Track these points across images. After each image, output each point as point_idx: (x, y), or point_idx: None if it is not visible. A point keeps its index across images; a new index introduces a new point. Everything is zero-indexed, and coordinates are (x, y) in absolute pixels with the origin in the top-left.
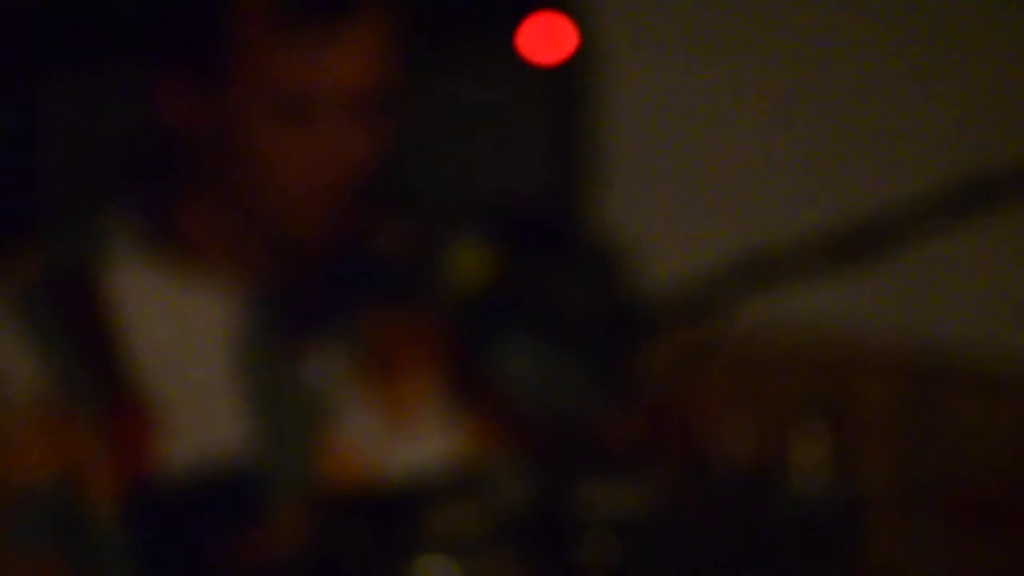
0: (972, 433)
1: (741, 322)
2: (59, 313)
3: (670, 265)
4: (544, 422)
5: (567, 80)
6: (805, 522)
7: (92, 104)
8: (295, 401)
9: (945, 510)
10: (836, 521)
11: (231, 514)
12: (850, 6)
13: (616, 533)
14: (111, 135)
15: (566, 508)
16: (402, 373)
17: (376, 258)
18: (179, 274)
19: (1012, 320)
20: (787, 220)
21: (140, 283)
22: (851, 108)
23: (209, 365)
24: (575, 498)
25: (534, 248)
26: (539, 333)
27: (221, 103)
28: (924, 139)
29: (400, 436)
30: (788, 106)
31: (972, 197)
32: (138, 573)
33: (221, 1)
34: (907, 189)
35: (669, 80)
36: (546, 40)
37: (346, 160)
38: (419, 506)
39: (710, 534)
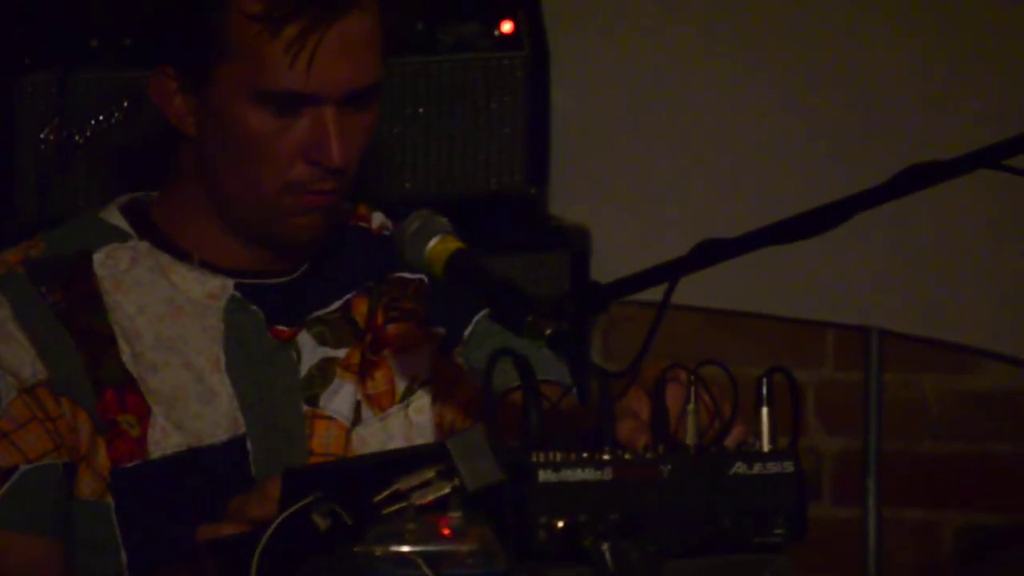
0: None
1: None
2: (54, 303)
3: (623, 253)
4: (506, 404)
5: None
6: (756, 494)
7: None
8: (281, 383)
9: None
10: (785, 491)
11: (217, 489)
12: None
13: (575, 508)
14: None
15: (526, 484)
16: (382, 356)
17: (358, 247)
18: (170, 268)
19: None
20: (741, 210)
21: (131, 277)
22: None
23: (199, 354)
24: (535, 475)
25: (500, 238)
26: (503, 320)
27: (212, 97)
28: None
29: (379, 416)
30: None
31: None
32: (127, 550)
33: None
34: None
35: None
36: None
37: (335, 153)
38: (388, 475)
39: (667, 507)
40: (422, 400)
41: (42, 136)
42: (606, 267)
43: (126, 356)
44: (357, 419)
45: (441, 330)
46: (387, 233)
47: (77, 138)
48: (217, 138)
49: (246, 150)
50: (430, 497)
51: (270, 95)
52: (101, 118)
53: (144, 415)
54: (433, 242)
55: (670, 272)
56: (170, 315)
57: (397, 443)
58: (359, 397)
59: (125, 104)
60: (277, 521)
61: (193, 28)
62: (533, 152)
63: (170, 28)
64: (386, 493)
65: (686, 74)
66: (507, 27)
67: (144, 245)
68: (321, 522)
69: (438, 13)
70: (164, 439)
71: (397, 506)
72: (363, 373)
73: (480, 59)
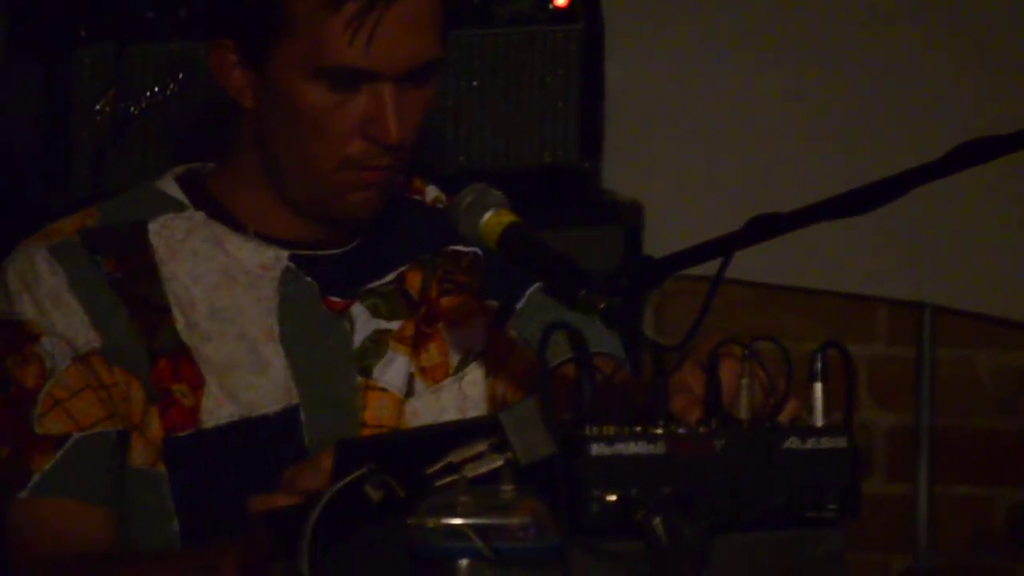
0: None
1: (741, 279)
2: (108, 272)
3: (676, 227)
4: (559, 377)
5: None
6: (809, 469)
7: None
8: (334, 354)
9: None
10: (838, 467)
11: (269, 459)
12: None
13: (628, 482)
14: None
15: (578, 458)
16: (436, 329)
17: (412, 220)
18: (225, 239)
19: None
20: (788, 188)
21: (186, 247)
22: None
23: (253, 324)
24: (588, 448)
25: (553, 213)
26: (557, 293)
27: (270, 72)
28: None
29: (432, 388)
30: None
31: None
32: (179, 519)
33: None
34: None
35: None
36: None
37: (393, 130)
38: (441, 447)
39: (720, 482)
40: (475, 373)
41: (97, 108)
42: (659, 241)
43: (180, 326)
44: (410, 391)
45: (494, 303)
46: (441, 206)
47: (132, 110)
48: (275, 112)
49: (303, 125)
50: (483, 470)
51: (329, 71)
52: (156, 90)
53: (198, 385)
54: (487, 215)
55: (724, 247)
56: (224, 285)
57: (450, 416)
58: (412, 369)
59: (180, 76)
60: (330, 493)
61: (253, 3)
62: (587, 126)
63: (230, 2)
64: (439, 465)
65: (741, 48)
66: (562, 1)
67: (199, 215)
68: (374, 494)
69: None
70: (217, 409)
71: (450, 478)
72: (417, 345)
73: (535, 33)
